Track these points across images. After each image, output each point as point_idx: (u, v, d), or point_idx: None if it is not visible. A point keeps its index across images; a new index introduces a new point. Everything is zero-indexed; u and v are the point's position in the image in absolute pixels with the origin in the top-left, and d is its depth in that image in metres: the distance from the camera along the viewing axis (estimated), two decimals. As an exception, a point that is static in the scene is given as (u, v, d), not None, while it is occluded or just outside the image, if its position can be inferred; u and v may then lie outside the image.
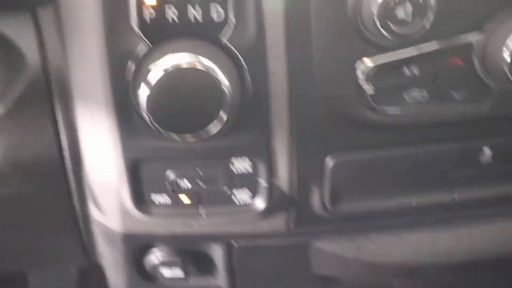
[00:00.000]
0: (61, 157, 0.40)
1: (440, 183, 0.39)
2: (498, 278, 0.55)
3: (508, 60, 0.32)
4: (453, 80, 0.35)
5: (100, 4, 0.31)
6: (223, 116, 0.31)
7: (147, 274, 0.44)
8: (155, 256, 0.42)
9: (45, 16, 0.36)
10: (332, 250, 0.43)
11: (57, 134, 0.39)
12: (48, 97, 0.37)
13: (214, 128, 0.31)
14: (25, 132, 0.38)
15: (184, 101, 0.31)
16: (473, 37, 0.33)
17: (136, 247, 0.43)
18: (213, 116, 0.31)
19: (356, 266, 0.45)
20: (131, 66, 0.32)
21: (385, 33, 0.31)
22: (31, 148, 0.39)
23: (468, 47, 0.34)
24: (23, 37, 0.36)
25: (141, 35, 0.32)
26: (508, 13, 0.33)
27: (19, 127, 0.38)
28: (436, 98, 0.35)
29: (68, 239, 0.45)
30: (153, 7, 0.31)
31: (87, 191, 0.42)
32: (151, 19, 0.31)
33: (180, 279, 0.42)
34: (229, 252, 0.43)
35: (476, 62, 0.34)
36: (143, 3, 0.31)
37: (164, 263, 0.42)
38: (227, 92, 0.30)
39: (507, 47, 0.31)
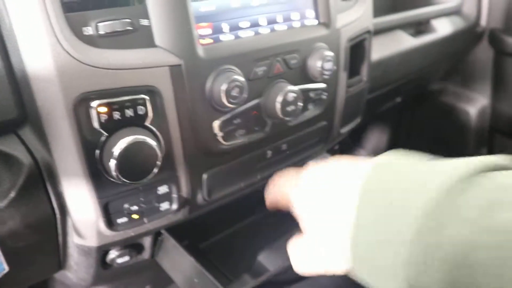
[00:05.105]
0: (54, 218, 0.53)
1: (252, 170, 0.71)
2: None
3: (279, 107, 0.64)
4: (254, 122, 0.64)
5: (73, 119, 0.48)
6: (158, 166, 0.53)
7: (106, 265, 0.64)
8: (113, 253, 0.63)
9: (26, 132, 0.50)
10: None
11: (51, 206, 0.52)
12: (42, 183, 0.50)
13: (152, 174, 0.53)
14: (27, 213, 0.50)
15: (137, 162, 0.51)
16: (260, 100, 0.64)
17: (104, 252, 0.62)
18: (153, 167, 0.53)
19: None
20: (98, 150, 0.51)
21: (227, 103, 0.57)
22: (31, 220, 0.51)
23: (258, 105, 0.63)
24: (15, 148, 0.48)
25: (101, 131, 0.50)
26: (270, 88, 0.64)
27: (21, 211, 0.50)
28: (249, 132, 0.64)
29: (50, 264, 0.60)
30: (105, 113, 0.50)
31: (68, 230, 0.57)
32: (105, 120, 0.50)
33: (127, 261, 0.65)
34: (155, 239, 0.67)
35: (262, 111, 0.65)
36: (100, 112, 0.49)
37: (118, 255, 0.63)
38: (158, 152, 0.52)
39: (277, 103, 0.63)
